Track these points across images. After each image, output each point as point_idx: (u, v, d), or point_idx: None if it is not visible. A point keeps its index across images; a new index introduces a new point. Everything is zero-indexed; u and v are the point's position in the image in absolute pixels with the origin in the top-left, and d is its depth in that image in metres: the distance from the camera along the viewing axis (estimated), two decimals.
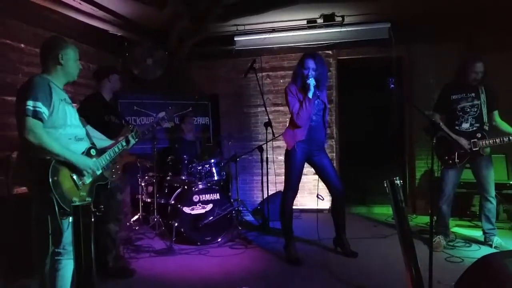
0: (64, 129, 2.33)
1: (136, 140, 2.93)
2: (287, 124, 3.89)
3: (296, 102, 3.65)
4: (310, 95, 3.57)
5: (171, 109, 3.30)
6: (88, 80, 4.95)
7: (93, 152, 2.51)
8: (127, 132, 3.35)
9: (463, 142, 3.75)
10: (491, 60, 3.96)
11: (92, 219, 1.96)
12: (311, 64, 3.61)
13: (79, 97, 4.69)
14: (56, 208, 2.17)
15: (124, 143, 2.81)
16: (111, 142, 2.81)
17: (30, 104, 2.18)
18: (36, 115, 2.19)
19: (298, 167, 3.72)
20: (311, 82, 3.56)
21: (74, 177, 2.33)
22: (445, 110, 3.99)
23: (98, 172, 2.51)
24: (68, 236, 2.27)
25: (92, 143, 2.56)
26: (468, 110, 3.87)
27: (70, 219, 2.18)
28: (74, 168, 2.32)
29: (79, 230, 1.89)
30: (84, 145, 2.48)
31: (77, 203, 2.14)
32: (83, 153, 2.44)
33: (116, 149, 2.74)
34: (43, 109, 2.22)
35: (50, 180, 2.16)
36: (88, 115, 3.18)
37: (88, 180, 2.43)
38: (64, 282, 2.34)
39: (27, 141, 2.17)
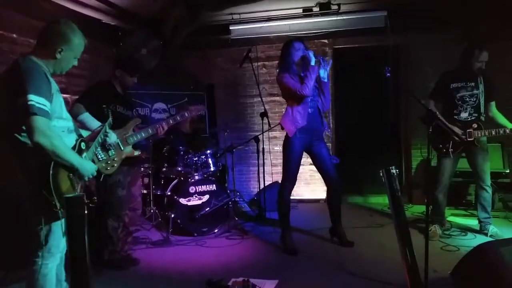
0: (58, 121, 2.09)
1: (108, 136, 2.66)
2: (284, 113, 3.83)
3: (296, 81, 3.57)
4: (312, 62, 3.54)
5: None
6: (82, 71, 4.89)
7: (83, 145, 2.31)
8: (133, 125, 3.30)
9: (457, 131, 3.71)
10: (489, 49, 3.92)
11: (85, 211, 1.91)
12: (301, 45, 3.64)
13: (72, 88, 4.64)
14: (59, 213, 1.98)
15: (102, 136, 2.52)
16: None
17: (33, 99, 1.85)
18: (42, 112, 1.88)
19: (297, 158, 3.69)
20: (311, 53, 3.57)
21: (71, 176, 2.11)
22: (443, 98, 3.95)
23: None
24: (56, 238, 2.10)
25: (80, 135, 2.35)
26: (467, 99, 3.84)
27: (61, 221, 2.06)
28: (74, 172, 2.09)
29: (72, 222, 1.86)
30: (74, 137, 2.29)
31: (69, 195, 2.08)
32: (74, 147, 2.24)
33: (99, 139, 2.47)
34: (47, 106, 1.92)
35: (52, 183, 1.94)
36: (92, 101, 3.06)
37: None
38: (46, 283, 2.13)
39: (37, 144, 1.87)
